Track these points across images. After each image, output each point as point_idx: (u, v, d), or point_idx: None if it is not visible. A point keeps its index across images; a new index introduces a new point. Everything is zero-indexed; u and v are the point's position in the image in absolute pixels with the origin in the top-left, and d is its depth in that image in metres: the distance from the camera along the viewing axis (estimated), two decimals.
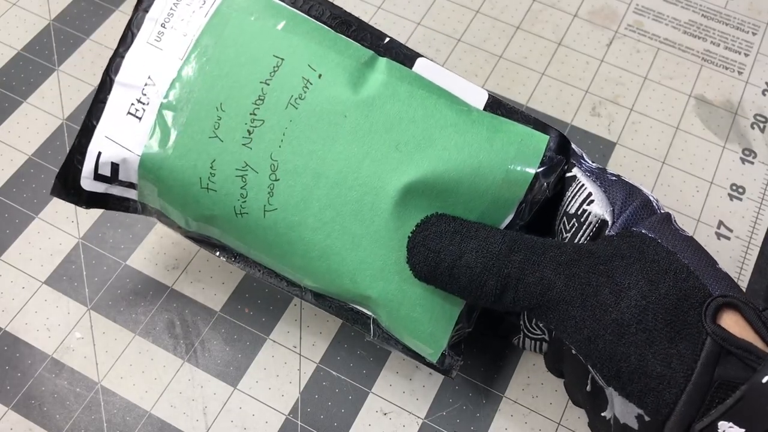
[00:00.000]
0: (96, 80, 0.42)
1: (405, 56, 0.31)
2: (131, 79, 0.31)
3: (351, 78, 0.29)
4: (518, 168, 0.28)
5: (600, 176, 0.30)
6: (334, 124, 0.29)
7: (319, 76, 0.29)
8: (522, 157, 0.28)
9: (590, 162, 0.31)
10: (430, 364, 0.31)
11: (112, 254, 0.37)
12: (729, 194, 0.40)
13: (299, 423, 0.33)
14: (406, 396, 0.34)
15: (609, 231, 0.29)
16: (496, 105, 0.31)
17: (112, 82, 0.31)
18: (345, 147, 0.29)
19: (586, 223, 0.29)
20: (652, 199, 0.30)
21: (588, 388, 0.29)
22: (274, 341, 0.35)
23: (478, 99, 0.30)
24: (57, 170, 0.39)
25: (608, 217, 0.29)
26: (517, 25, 0.45)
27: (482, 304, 0.29)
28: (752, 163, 0.40)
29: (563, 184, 0.30)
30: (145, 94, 0.30)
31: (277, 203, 0.29)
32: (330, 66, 0.29)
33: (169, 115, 0.30)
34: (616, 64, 0.44)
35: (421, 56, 0.31)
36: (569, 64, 0.43)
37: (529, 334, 0.32)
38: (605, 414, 0.28)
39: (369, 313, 0.31)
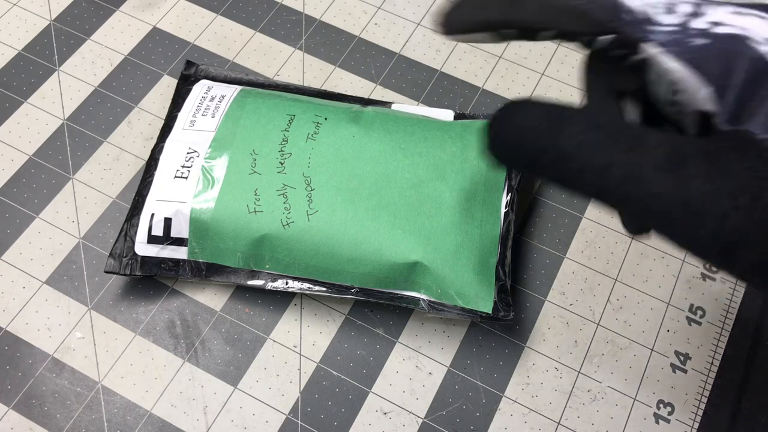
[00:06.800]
0: (97, 80, 0.42)
1: (383, 104, 0.39)
2: (174, 154, 0.36)
3: (349, 118, 0.37)
4: None
5: (682, 43, 0.20)
6: (346, 143, 0.35)
7: (325, 119, 0.36)
8: None
9: (669, 17, 0.21)
10: (485, 319, 0.33)
11: None
12: None
13: (299, 422, 0.33)
14: (406, 396, 0.34)
15: (719, 125, 0.19)
16: (462, 117, 0.39)
17: (156, 162, 0.36)
18: (359, 154, 0.35)
19: (686, 122, 0.21)
20: None
21: None
22: (275, 341, 0.35)
23: (447, 116, 0.39)
24: (54, 169, 0.39)
25: (710, 105, 0.20)
26: None
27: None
28: None
29: (636, 74, 0.21)
30: (188, 160, 0.36)
31: (317, 206, 0.34)
32: (331, 114, 0.37)
33: (211, 168, 0.35)
34: None
35: (394, 102, 0.40)
36: (569, 64, 0.43)
37: None
38: None
39: (417, 295, 0.34)
